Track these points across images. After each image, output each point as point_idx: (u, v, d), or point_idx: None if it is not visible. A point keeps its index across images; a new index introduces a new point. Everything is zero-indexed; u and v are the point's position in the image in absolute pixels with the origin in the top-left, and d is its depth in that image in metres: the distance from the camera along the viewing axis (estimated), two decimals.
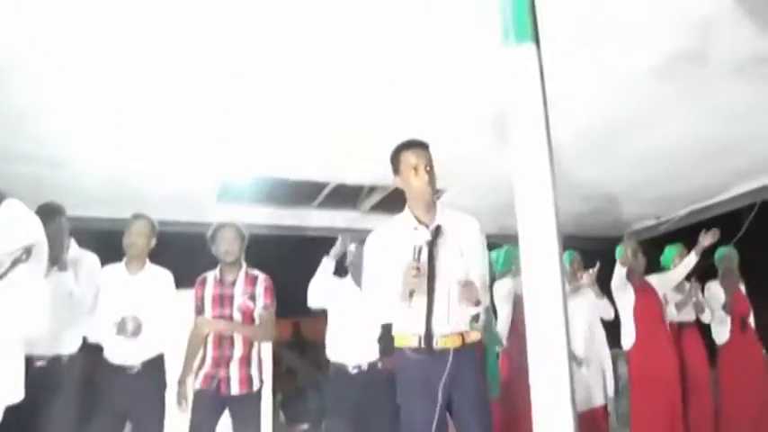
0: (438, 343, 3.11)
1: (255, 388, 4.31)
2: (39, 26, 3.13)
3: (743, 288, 6.05)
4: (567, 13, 3.17)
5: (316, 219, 6.58)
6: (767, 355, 5.99)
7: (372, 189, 6.02)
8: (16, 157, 4.53)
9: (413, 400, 3.17)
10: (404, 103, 4.18)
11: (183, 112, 4.19)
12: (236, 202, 5.85)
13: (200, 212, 5.88)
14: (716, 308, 5.92)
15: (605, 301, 5.66)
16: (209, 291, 4.39)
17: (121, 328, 4.12)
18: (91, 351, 4.27)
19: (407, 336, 3.19)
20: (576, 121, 4.42)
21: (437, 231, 3.23)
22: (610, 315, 5.70)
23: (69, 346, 4.10)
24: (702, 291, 6.00)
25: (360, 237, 4.78)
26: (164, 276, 4.49)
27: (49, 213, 3.73)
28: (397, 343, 3.28)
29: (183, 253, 4.96)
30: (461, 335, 3.19)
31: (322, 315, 4.91)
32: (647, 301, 5.55)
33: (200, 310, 4.37)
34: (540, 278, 1.51)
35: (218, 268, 4.47)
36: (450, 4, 3.10)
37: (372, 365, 4.61)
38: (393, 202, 6.02)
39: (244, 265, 4.48)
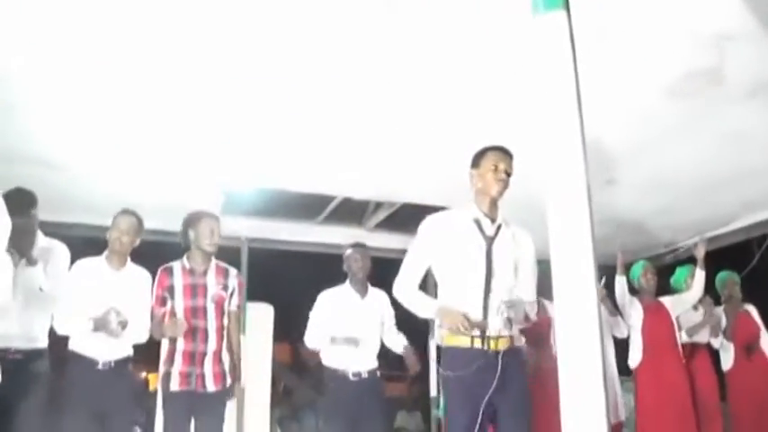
0: (490, 344, 3.15)
1: (228, 384, 4.24)
2: (41, 30, 3.12)
3: (752, 311, 5.93)
4: (579, 30, 3.13)
5: (319, 234, 6.51)
6: None
7: (379, 205, 5.97)
8: (12, 158, 4.48)
9: (465, 401, 3.14)
10: (416, 118, 4.15)
11: (188, 121, 4.16)
12: (240, 214, 5.79)
13: None
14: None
15: (618, 318, 5.61)
16: (179, 281, 4.23)
17: (104, 323, 3.96)
18: (56, 343, 4.12)
19: (463, 335, 3.17)
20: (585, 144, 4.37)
21: (498, 229, 3.31)
22: (623, 333, 5.65)
23: (44, 340, 3.97)
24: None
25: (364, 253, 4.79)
26: (144, 276, 4.36)
27: (18, 200, 3.57)
28: (449, 341, 3.26)
29: None
30: (511, 337, 3.23)
31: None
32: (658, 321, 5.49)
33: (163, 300, 4.21)
34: (573, 294, 1.50)
35: (184, 258, 4.32)
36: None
37: (372, 373, 4.65)
38: (399, 220, 6.01)
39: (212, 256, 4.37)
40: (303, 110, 4.06)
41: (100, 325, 3.96)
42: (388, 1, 3.00)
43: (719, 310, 5.91)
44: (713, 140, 4.48)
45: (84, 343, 4.06)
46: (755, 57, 3.45)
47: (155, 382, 5.95)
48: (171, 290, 4.21)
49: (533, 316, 3.41)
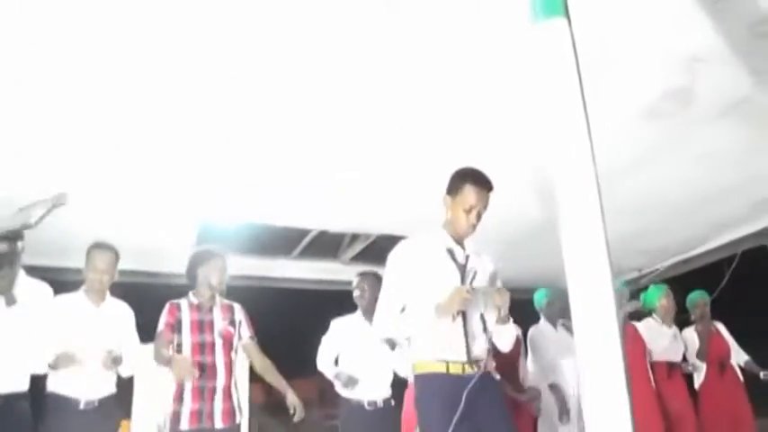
0: (466, 369, 3.10)
1: (237, 421, 4.12)
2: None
3: (721, 328, 6.05)
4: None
5: (295, 270, 6.45)
6: None
7: (355, 238, 5.95)
8: None
9: (438, 414, 3.02)
10: (392, 149, 4.16)
11: (159, 153, 4.08)
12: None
13: (174, 263, 5.73)
14: (690, 355, 5.91)
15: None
16: (186, 316, 4.13)
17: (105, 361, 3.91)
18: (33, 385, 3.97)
19: (436, 361, 3.11)
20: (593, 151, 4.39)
21: (467, 258, 3.26)
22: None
23: (24, 383, 3.83)
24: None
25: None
26: (126, 311, 4.32)
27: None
28: (423, 369, 3.17)
29: (158, 305, 4.74)
30: (485, 361, 3.16)
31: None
32: (631, 344, 5.45)
33: (172, 328, 4.08)
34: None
35: (190, 295, 4.25)
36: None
37: (387, 401, 4.66)
38: (375, 252, 5.97)
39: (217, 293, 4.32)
40: (278, 142, 4.03)
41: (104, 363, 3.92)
42: (362, 33, 3.03)
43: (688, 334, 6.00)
44: (686, 162, 4.55)
45: (64, 382, 3.93)
46: (727, 77, 3.54)
47: (126, 429, 5.69)
48: (179, 324, 4.10)
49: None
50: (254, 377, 6.42)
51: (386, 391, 4.67)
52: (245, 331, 4.28)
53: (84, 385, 3.94)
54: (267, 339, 6.23)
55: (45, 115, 3.53)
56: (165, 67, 3.20)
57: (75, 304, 4.11)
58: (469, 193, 3.22)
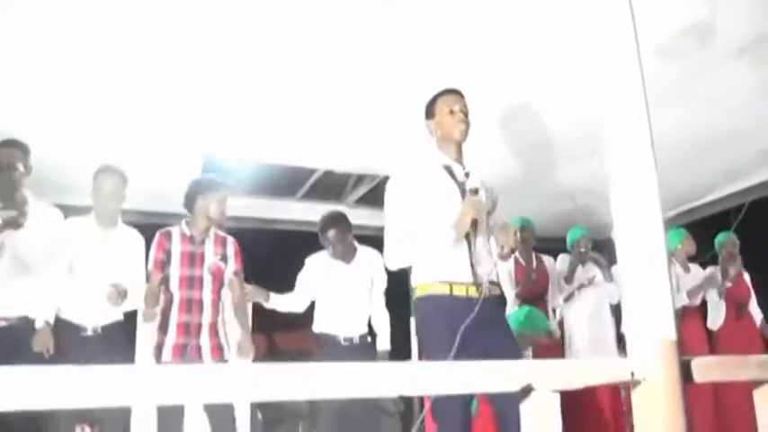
0: (470, 291, 3.02)
1: (226, 356, 4.08)
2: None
3: (746, 276, 6.03)
4: None
5: (298, 211, 6.40)
6: None
7: (360, 179, 5.90)
8: None
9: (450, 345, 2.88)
10: (400, 89, 4.10)
11: (165, 88, 4.03)
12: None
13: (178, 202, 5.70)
14: (711, 292, 5.92)
15: (613, 284, 5.65)
16: (177, 246, 4.05)
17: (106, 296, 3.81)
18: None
19: (440, 282, 3.04)
20: (566, 111, 4.32)
21: (468, 175, 3.20)
22: (614, 300, 5.70)
23: (30, 308, 3.78)
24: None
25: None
26: (137, 238, 4.24)
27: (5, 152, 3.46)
28: (426, 291, 3.09)
29: None
30: (492, 284, 3.11)
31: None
32: None
33: (162, 264, 4.01)
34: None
35: (183, 224, 4.16)
36: None
37: (363, 338, 4.63)
38: (380, 195, 5.92)
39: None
40: (284, 79, 3.98)
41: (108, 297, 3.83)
42: None
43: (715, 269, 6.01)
44: (697, 104, 4.49)
45: (70, 308, 3.91)
46: (748, 12, 3.45)
47: None
48: (168, 256, 4.02)
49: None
50: (255, 328, 6.41)
51: (363, 328, 4.63)
52: (232, 265, 4.19)
53: (87, 312, 3.91)
54: (267, 283, 6.26)
55: (51, 50, 3.49)
56: (172, 4, 3.16)
57: (86, 230, 4.04)
58: (444, 99, 3.26)
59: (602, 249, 6.06)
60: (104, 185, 4.05)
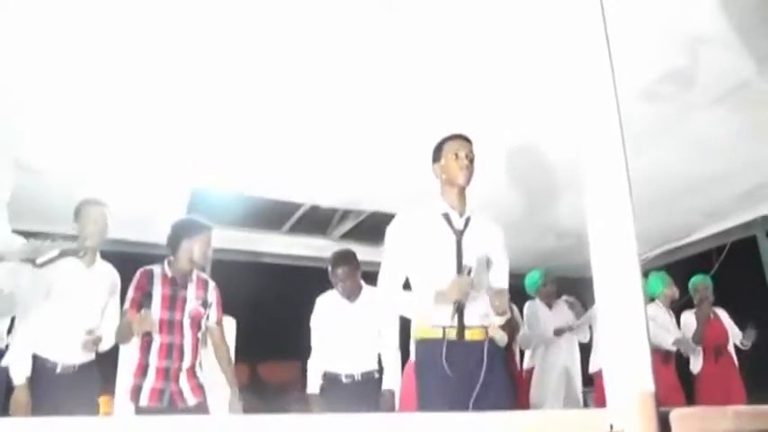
0: (466, 335, 3.07)
1: (205, 396, 3.99)
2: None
3: (722, 315, 6.03)
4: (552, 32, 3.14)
5: (284, 245, 6.41)
6: None
7: (346, 214, 5.92)
8: None
9: (443, 392, 3.01)
10: (387, 126, 4.15)
11: (153, 123, 4.05)
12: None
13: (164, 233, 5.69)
14: (687, 338, 5.90)
15: (584, 324, 5.69)
16: (158, 288, 3.92)
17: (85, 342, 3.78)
18: None
19: (433, 327, 3.10)
20: (549, 149, 4.36)
21: (467, 222, 3.23)
22: (585, 338, 5.71)
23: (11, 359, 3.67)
24: (678, 321, 5.98)
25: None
26: (115, 275, 4.13)
27: None
28: (421, 335, 3.17)
29: None
30: (484, 328, 3.13)
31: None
32: None
33: (139, 306, 3.83)
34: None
35: (165, 264, 4.03)
36: None
37: (367, 375, 4.57)
38: (365, 230, 5.96)
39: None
40: (273, 113, 4.01)
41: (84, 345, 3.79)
42: (355, 15, 3.03)
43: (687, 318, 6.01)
44: (680, 147, 4.56)
45: (46, 345, 3.78)
46: (728, 61, 3.53)
47: (106, 406, 5.50)
48: (148, 298, 3.88)
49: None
50: (239, 358, 6.36)
51: (367, 365, 4.57)
52: (214, 314, 4.11)
53: (62, 349, 3.81)
54: (251, 316, 6.22)
55: (38, 77, 3.49)
56: (159, 35, 3.18)
57: (69, 265, 3.88)
58: (451, 144, 3.28)
59: (582, 288, 6.06)
60: (92, 212, 3.96)
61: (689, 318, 5.98)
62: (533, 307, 5.93)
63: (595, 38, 1.61)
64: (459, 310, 3.03)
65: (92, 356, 3.96)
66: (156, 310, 3.88)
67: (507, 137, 4.36)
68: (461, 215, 3.23)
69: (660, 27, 3.26)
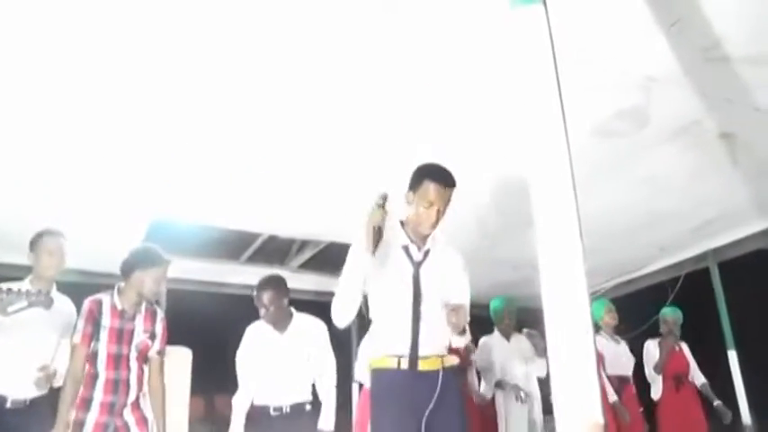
0: (419, 365, 3.08)
1: (150, 425, 3.89)
2: None
3: (685, 348, 6.10)
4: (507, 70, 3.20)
5: (242, 275, 6.35)
6: None
7: (304, 244, 5.91)
8: None
9: (394, 422, 3.05)
10: (345, 156, 4.17)
11: (110, 152, 4.01)
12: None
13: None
14: (648, 366, 5.98)
15: (543, 359, 5.66)
16: (107, 320, 3.80)
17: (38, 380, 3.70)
18: None
19: (388, 357, 3.13)
20: (504, 183, 4.41)
21: (427, 254, 3.23)
22: (542, 373, 5.71)
23: None
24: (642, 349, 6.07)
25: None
26: (71, 309, 4.01)
27: None
28: (377, 364, 3.19)
29: None
30: (441, 357, 3.15)
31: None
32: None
33: (89, 339, 3.74)
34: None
35: (115, 293, 3.89)
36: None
37: (297, 407, 4.35)
38: (323, 260, 5.95)
39: None
40: (231, 144, 4.00)
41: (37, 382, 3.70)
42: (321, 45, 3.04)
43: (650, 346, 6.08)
44: (632, 183, 4.66)
45: (1, 379, 3.70)
46: (679, 100, 3.62)
47: None
48: (97, 329, 3.78)
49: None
50: (194, 391, 6.23)
51: (296, 396, 4.35)
52: (157, 344, 3.99)
53: (17, 384, 3.73)
54: (208, 347, 6.13)
55: None
56: (119, 67, 3.17)
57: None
58: (428, 190, 3.15)
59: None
60: (50, 243, 3.89)
61: (652, 346, 6.05)
62: (489, 339, 5.85)
63: (546, 78, 1.63)
64: (414, 335, 3.07)
65: (44, 392, 3.87)
66: (104, 344, 3.78)
67: (462, 170, 4.40)
68: (420, 249, 3.24)
69: (614, 66, 3.34)
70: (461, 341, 3.25)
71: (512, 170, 4.20)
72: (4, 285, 3.42)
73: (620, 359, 5.89)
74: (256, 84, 3.38)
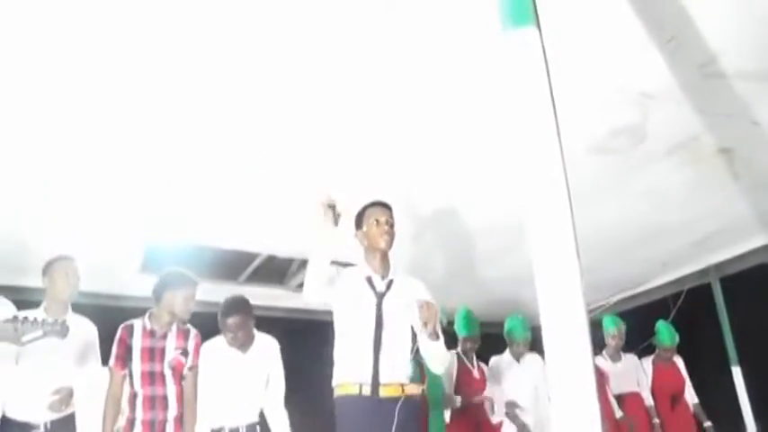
0: (381, 391, 3.21)
1: None
2: None
3: (680, 364, 6.00)
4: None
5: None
6: None
7: (303, 263, 5.86)
8: None
9: None
10: (342, 178, 4.11)
11: (107, 174, 4.00)
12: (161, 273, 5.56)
13: (121, 284, 5.64)
14: (644, 384, 5.92)
15: None
16: (138, 341, 3.94)
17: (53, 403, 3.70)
18: None
19: (351, 383, 3.25)
20: (502, 201, 4.38)
21: (389, 284, 3.42)
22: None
23: None
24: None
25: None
26: (88, 327, 4.10)
27: None
28: (340, 391, 3.32)
29: (102, 328, 4.35)
30: (401, 385, 3.26)
31: None
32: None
33: (123, 360, 3.91)
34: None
35: (146, 317, 4.04)
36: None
37: (251, 427, 4.23)
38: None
39: None
40: (228, 164, 3.99)
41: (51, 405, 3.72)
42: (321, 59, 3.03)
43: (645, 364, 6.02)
44: (631, 199, 4.64)
45: (17, 405, 3.74)
46: (676, 116, 3.61)
47: None
48: (129, 351, 3.93)
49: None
50: None
51: (251, 417, 4.22)
52: (190, 361, 4.07)
53: (36, 407, 3.75)
54: None
55: None
56: (114, 88, 3.16)
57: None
58: (371, 212, 3.51)
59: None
60: (67, 268, 3.96)
61: (646, 364, 6.00)
62: (499, 362, 5.72)
63: (540, 99, 1.62)
64: (375, 362, 3.22)
65: (61, 415, 3.87)
66: (137, 363, 3.91)
67: (463, 187, 4.40)
68: (383, 278, 3.44)
69: (611, 83, 3.33)
70: (437, 354, 3.35)
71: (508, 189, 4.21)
72: (21, 314, 3.42)
73: (620, 378, 5.81)
74: (254, 102, 3.38)
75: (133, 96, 3.23)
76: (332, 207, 3.32)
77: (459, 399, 5.28)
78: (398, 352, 3.30)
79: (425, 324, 3.18)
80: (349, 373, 3.28)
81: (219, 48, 2.94)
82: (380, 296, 3.37)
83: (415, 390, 3.33)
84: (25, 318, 3.30)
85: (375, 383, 3.19)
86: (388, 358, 3.25)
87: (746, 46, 3.07)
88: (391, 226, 3.47)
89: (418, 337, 3.34)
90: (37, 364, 3.74)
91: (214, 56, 2.99)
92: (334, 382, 3.38)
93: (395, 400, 3.17)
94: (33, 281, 4.28)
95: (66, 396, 3.80)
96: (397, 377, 3.25)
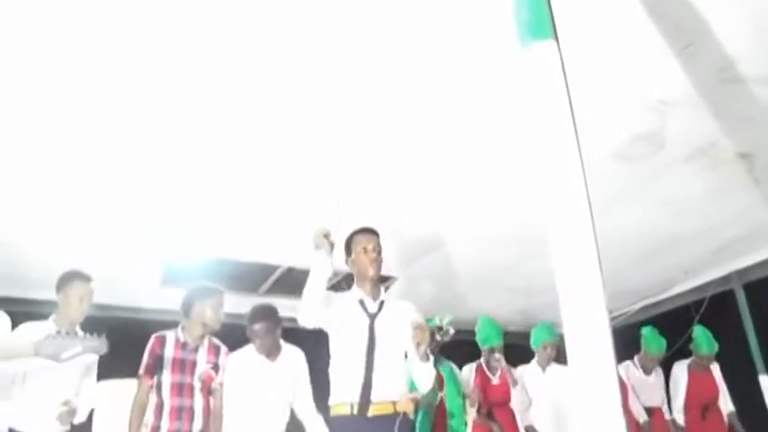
0: (369, 410, 3.25)
1: None
2: None
3: (716, 372, 5.82)
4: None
5: None
6: None
7: None
8: None
9: None
10: (360, 190, 4.19)
11: (127, 188, 4.04)
12: (181, 286, 5.56)
13: (142, 297, 5.69)
14: (674, 390, 5.83)
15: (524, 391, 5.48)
16: (170, 352, 4.01)
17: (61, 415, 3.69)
18: None
19: (342, 404, 3.32)
20: (521, 208, 4.38)
21: (381, 305, 3.50)
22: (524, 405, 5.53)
23: None
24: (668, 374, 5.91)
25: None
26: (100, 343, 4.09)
27: None
28: (334, 411, 3.39)
29: (122, 341, 4.52)
30: (393, 403, 3.31)
31: None
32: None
33: (152, 370, 3.96)
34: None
35: (179, 329, 4.12)
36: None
37: None
38: (341, 291, 5.90)
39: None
40: (247, 178, 4.02)
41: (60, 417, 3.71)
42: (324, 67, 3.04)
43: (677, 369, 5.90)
44: (652, 206, 4.61)
45: (23, 421, 3.70)
46: (695, 122, 3.59)
47: None
48: (160, 361, 3.99)
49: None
50: None
51: (279, 426, 4.31)
52: (220, 376, 4.15)
53: (43, 423, 3.71)
54: None
55: (11, 146, 3.49)
56: (130, 99, 3.18)
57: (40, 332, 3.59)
58: (359, 239, 3.61)
59: None
60: (80, 289, 3.96)
61: (679, 370, 5.85)
62: (524, 371, 5.63)
63: (560, 111, 1.62)
64: (366, 382, 3.27)
65: (67, 427, 3.86)
66: (167, 374, 3.99)
67: (484, 193, 4.38)
68: (375, 300, 3.53)
69: (628, 91, 3.32)
70: (425, 374, 3.40)
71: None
72: (63, 329, 3.45)
73: (647, 390, 5.76)
74: (273, 120, 3.43)
75: (155, 110, 3.26)
76: (326, 236, 3.44)
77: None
78: (391, 371, 3.36)
79: (418, 345, 3.25)
80: (341, 394, 3.35)
81: (243, 63, 2.97)
82: (372, 317, 3.45)
83: (407, 406, 3.37)
84: (67, 332, 3.30)
85: (364, 403, 3.25)
86: (380, 377, 3.31)
87: (764, 50, 3.05)
88: (379, 252, 3.56)
89: (408, 357, 3.41)
90: (45, 380, 3.72)
91: (238, 72, 3.03)
92: (329, 403, 3.45)
93: (387, 417, 3.23)
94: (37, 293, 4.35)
95: (72, 410, 3.80)
96: (389, 395, 3.31)
